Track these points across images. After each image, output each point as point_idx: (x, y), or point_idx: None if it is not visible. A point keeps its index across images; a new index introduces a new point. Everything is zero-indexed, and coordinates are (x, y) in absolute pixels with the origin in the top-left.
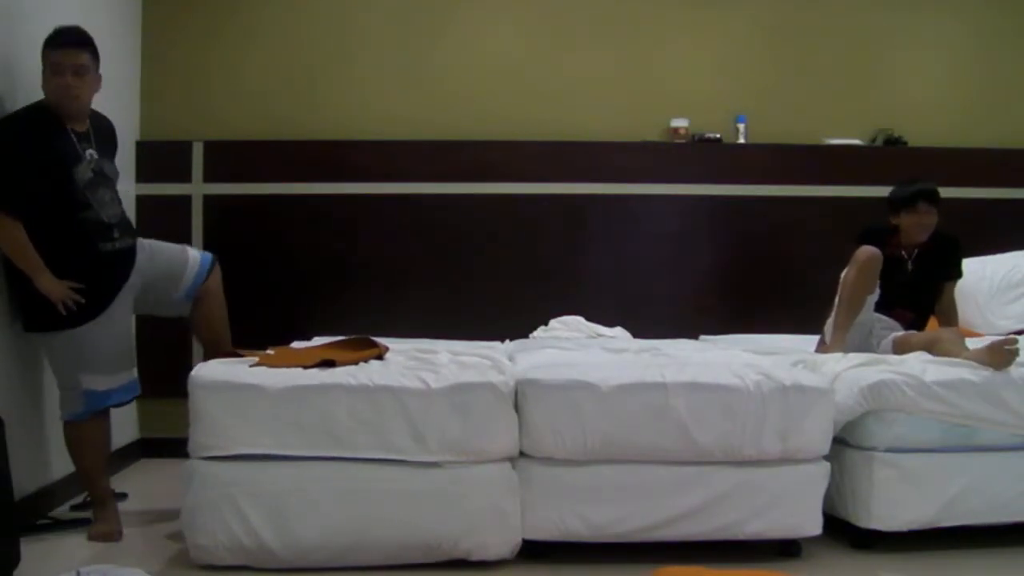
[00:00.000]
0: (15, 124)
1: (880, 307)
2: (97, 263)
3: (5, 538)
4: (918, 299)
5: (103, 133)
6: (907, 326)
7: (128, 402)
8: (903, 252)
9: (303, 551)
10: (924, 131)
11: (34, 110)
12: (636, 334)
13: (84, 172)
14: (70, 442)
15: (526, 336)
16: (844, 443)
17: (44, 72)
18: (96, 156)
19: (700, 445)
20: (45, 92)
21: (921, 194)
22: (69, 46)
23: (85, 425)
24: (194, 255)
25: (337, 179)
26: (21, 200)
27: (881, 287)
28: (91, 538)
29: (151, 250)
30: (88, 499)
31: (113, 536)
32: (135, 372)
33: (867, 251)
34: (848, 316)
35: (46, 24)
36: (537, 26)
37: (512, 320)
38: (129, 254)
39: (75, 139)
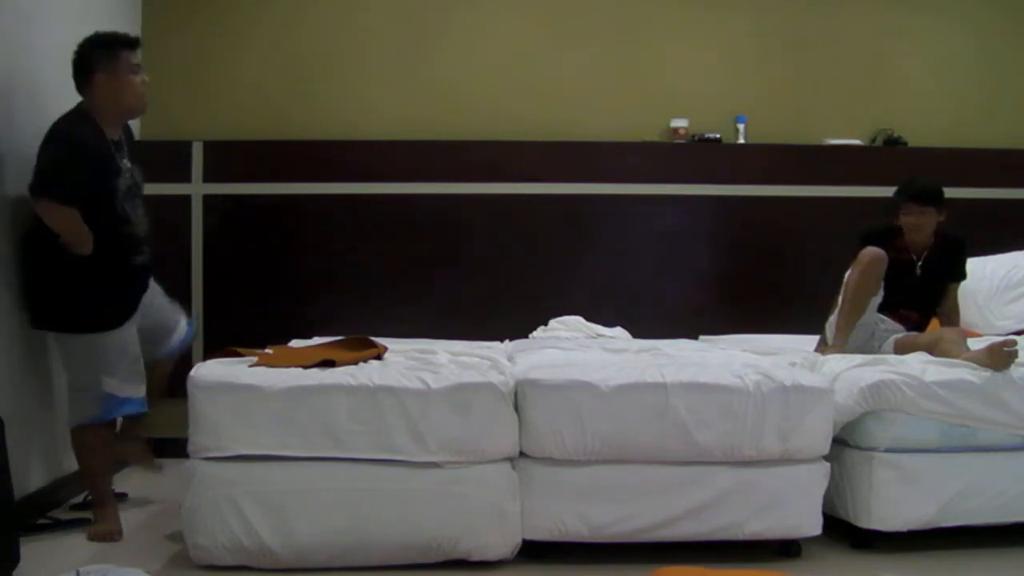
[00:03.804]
0: (73, 130)
1: (884, 308)
2: (128, 274)
3: (5, 538)
4: (923, 301)
5: (130, 138)
6: (911, 327)
7: (139, 415)
8: (912, 255)
9: (303, 551)
10: (924, 131)
11: (81, 119)
12: (636, 334)
13: (123, 184)
14: (79, 446)
15: (526, 336)
16: (844, 443)
17: (116, 71)
18: (130, 165)
19: (700, 445)
20: (119, 90)
21: (910, 194)
22: (138, 47)
23: (96, 429)
24: (182, 324)
25: (337, 179)
26: (78, 196)
27: (887, 288)
28: (91, 538)
29: (156, 289)
30: (88, 499)
31: (113, 536)
32: (144, 389)
33: (870, 252)
34: (851, 318)
35: (48, 24)
36: (537, 26)
37: (512, 320)
38: (150, 267)
39: (113, 149)
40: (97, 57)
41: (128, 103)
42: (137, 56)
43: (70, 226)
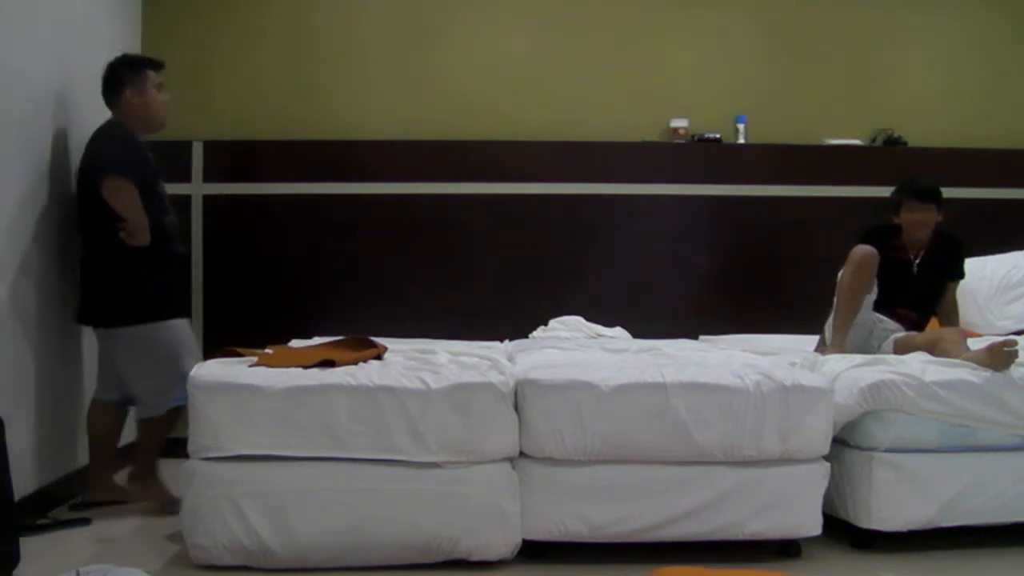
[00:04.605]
0: (121, 129)
1: (883, 308)
2: (174, 264)
3: (5, 538)
4: (922, 300)
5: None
6: (910, 327)
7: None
8: (909, 254)
9: (303, 551)
10: (924, 131)
11: (120, 125)
12: (636, 334)
13: (160, 181)
14: (154, 429)
15: (526, 336)
16: (844, 443)
17: (144, 88)
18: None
19: (700, 445)
20: (145, 107)
21: (913, 192)
22: (161, 68)
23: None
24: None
25: (337, 179)
26: (139, 176)
27: (885, 288)
28: (159, 506)
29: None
30: (84, 501)
31: (174, 502)
32: None
33: (861, 251)
34: (846, 317)
35: (48, 24)
36: (538, 27)
37: (512, 320)
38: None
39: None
40: (125, 74)
41: (153, 117)
42: (160, 76)
43: (135, 206)
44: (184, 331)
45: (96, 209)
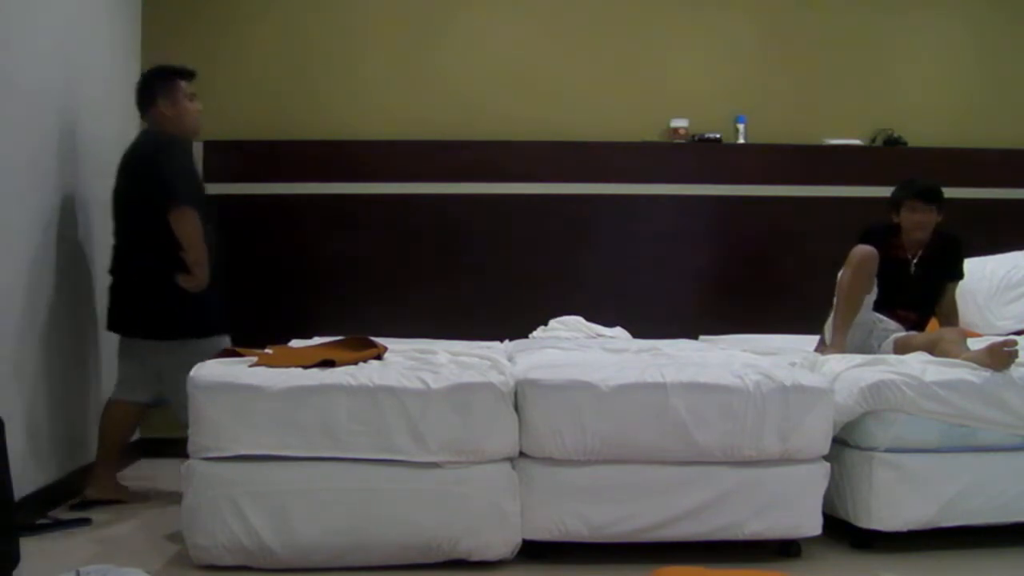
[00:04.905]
0: (179, 147)
1: (883, 308)
2: (219, 279)
3: (5, 538)
4: (921, 300)
5: None
6: (910, 327)
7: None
8: (908, 254)
9: (303, 551)
10: (924, 131)
11: (176, 141)
12: (636, 334)
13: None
14: None
15: (526, 336)
16: (844, 443)
17: (176, 99)
18: None
19: (700, 445)
20: (178, 117)
21: (916, 191)
22: (192, 78)
23: None
24: None
25: (338, 179)
26: (199, 200)
27: (884, 288)
28: None
29: None
30: (84, 499)
31: None
32: None
33: (861, 251)
34: (846, 317)
35: (48, 25)
36: (538, 27)
37: (512, 320)
38: None
39: None
40: (157, 85)
41: (187, 127)
42: (192, 86)
43: (199, 237)
44: (226, 344)
45: (153, 228)
